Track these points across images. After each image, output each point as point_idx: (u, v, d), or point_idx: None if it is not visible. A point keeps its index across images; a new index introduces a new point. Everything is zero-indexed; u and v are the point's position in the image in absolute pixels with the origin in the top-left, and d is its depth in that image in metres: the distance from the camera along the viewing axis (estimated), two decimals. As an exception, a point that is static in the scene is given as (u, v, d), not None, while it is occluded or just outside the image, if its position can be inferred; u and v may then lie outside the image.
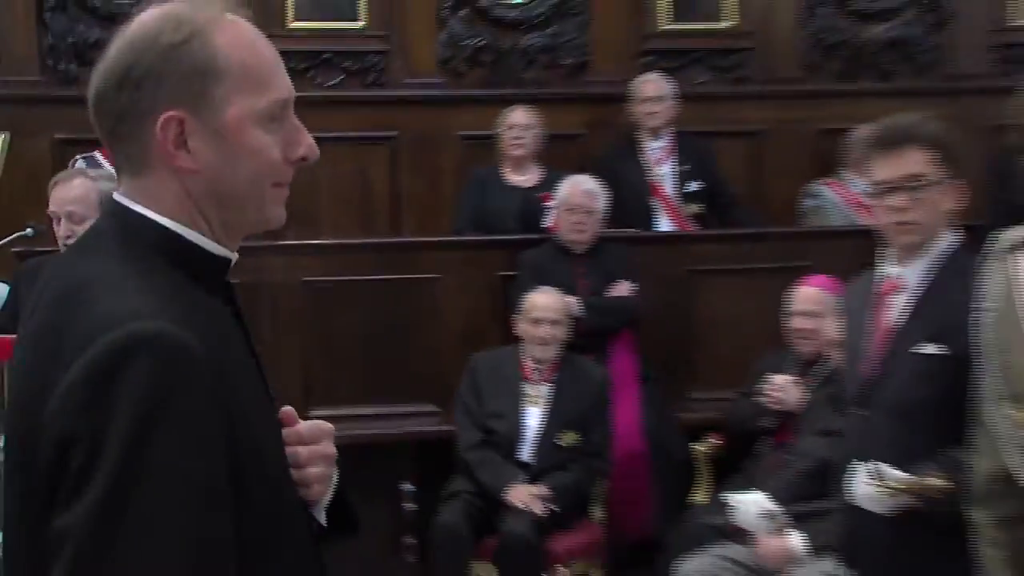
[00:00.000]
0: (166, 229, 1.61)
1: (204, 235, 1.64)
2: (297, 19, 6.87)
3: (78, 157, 5.46)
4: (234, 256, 1.70)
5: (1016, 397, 2.41)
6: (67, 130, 6.05)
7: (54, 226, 4.73)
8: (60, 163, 5.58)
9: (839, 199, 6.28)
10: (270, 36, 1.69)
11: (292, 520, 1.68)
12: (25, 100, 6.39)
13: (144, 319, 1.47)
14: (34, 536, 1.49)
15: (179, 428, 1.43)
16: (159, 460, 1.41)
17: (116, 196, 1.66)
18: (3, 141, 4.62)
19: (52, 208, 4.72)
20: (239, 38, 1.63)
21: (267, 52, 1.67)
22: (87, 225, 4.41)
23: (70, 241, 4.60)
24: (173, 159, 1.60)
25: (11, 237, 4.62)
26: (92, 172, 5.00)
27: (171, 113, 1.58)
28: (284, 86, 1.67)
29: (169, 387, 1.44)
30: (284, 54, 1.70)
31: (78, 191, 4.69)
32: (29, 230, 4.93)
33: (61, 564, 1.41)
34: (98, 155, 5.51)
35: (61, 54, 6.58)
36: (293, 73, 1.71)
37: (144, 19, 1.64)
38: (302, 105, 1.70)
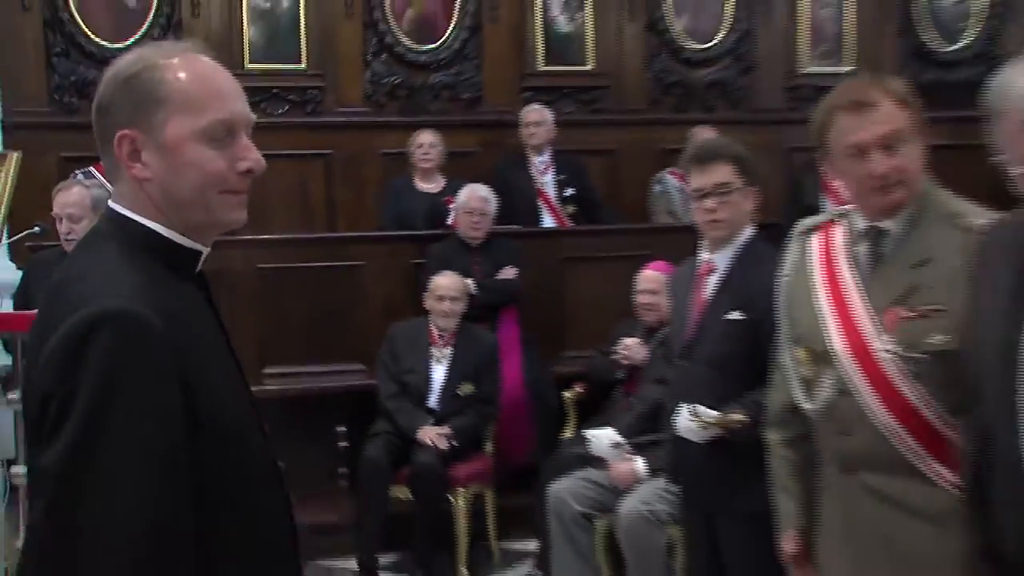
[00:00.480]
0: (145, 227, 1.57)
1: (175, 231, 1.58)
2: (252, 61, 6.75)
3: (77, 172, 5.38)
4: (204, 249, 1.63)
5: (798, 340, 2.47)
6: (70, 150, 5.97)
7: (57, 225, 4.72)
8: (64, 176, 5.48)
9: (679, 184, 6.30)
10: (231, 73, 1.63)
11: (262, 470, 1.63)
12: (36, 126, 6.27)
13: (111, 299, 1.44)
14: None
15: (132, 388, 1.40)
16: (116, 414, 1.39)
17: (110, 202, 1.61)
18: (17, 159, 4.55)
19: (55, 210, 4.71)
20: (186, 70, 1.57)
21: (217, 82, 1.59)
22: (83, 223, 4.47)
23: (70, 236, 4.59)
24: (131, 169, 1.56)
25: (24, 233, 4.63)
26: (87, 182, 5.00)
27: (124, 132, 1.55)
28: (226, 109, 1.58)
29: (126, 355, 1.41)
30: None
31: (76, 196, 4.70)
32: (37, 228, 4.87)
33: (43, 495, 1.40)
34: (93, 169, 5.42)
35: (65, 90, 6.47)
36: (248, 104, 1.65)
37: (118, 60, 1.62)
38: (255, 129, 1.63)
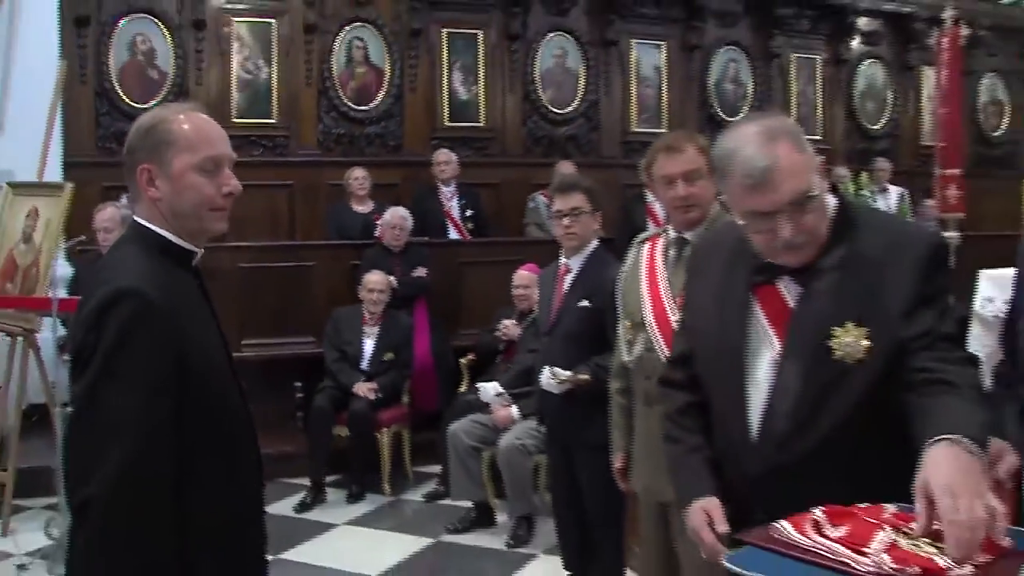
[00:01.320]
0: (157, 233, 1.58)
1: (178, 236, 1.59)
2: (237, 117, 6.59)
3: (123, 196, 5.22)
4: (198, 250, 1.63)
5: (626, 314, 2.52)
6: (109, 181, 5.75)
7: (96, 235, 4.73)
8: (104, 200, 5.34)
9: (547, 202, 6.20)
10: (222, 125, 1.65)
11: (236, 413, 1.62)
12: (86, 165, 6.07)
13: (127, 280, 1.49)
14: None
15: (137, 343, 1.45)
16: (123, 360, 1.45)
17: (133, 216, 1.63)
18: (71, 188, 4.45)
19: (95, 225, 4.76)
20: (187, 122, 1.59)
21: (207, 129, 1.60)
22: (114, 233, 4.46)
23: (105, 243, 4.59)
24: (147, 192, 1.58)
25: (74, 241, 4.57)
26: (119, 204, 4.95)
27: (144, 166, 1.57)
28: (215, 149, 1.59)
29: (134, 320, 1.45)
30: (229, 137, 1.65)
31: (109, 214, 4.78)
32: (83, 237, 4.80)
33: (71, 421, 1.45)
34: (133, 194, 5.25)
35: (107, 139, 6.31)
36: (234, 148, 1.65)
37: (141, 116, 1.63)
38: (239, 166, 1.66)
